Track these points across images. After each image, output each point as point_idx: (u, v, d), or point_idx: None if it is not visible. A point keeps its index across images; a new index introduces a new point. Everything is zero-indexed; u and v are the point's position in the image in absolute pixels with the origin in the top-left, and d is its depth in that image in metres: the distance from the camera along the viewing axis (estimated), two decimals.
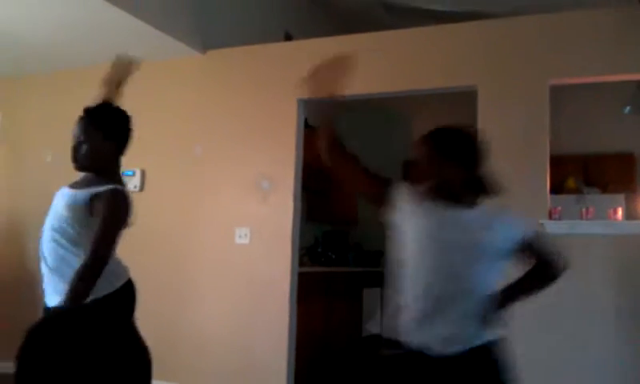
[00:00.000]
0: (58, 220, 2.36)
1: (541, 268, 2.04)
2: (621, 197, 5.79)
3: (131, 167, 4.94)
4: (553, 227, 3.84)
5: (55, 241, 2.35)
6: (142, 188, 4.95)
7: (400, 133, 7.43)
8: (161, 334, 4.68)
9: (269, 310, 4.45)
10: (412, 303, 1.97)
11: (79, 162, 2.45)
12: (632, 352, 3.64)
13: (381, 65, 4.40)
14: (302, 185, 4.64)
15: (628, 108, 5.27)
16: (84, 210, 2.34)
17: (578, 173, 6.36)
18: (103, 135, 2.44)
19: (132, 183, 4.94)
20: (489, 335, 1.96)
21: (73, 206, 2.34)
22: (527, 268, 2.03)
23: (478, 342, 1.93)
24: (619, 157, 6.34)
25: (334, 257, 6.40)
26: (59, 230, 2.35)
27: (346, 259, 6.64)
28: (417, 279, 1.97)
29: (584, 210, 4.45)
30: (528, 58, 4.04)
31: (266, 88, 4.69)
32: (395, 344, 2.01)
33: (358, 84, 4.48)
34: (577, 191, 6.14)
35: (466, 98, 4.21)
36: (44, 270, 2.38)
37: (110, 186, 2.38)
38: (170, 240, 4.81)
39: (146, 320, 4.89)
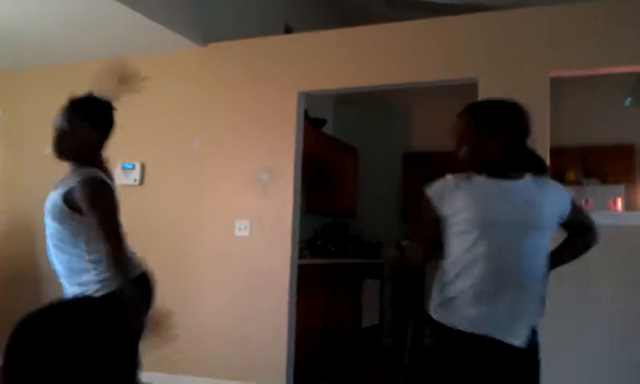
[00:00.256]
0: (48, 227, 2.39)
1: (585, 234, 2.10)
2: (620, 188, 5.80)
3: (131, 160, 4.95)
4: None
5: (55, 246, 2.39)
6: (141, 181, 4.95)
7: (400, 125, 7.43)
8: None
9: (269, 302, 4.46)
10: (474, 288, 1.90)
11: (64, 153, 2.42)
12: (630, 340, 3.65)
13: (382, 57, 4.40)
14: (301, 177, 4.64)
15: (628, 99, 5.27)
16: (63, 210, 2.32)
17: (578, 164, 6.36)
18: (91, 126, 2.41)
19: (132, 177, 4.95)
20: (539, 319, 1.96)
21: (52, 210, 2.35)
22: (568, 235, 2.08)
23: (535, 324, 1.93)
24: (619, 148, 6.35)
25: (333, 249, 6.41)
26: (55, 236, 2.38)
27: (346, 251, 6.65)
28: (478, 262, 1.89)
29: (584, 201, 4.46)
30: (528, 50, 4.04)
31: (266, 81, 4.69)
32: (448, 331, 1.95)
33: (359, 76, 4.50)
34: (577, 183, 6.15)
35: (467, 91, 4.20)
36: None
37: (79, 178, 2.33)
38: (170, 232, 4.82)
39: None
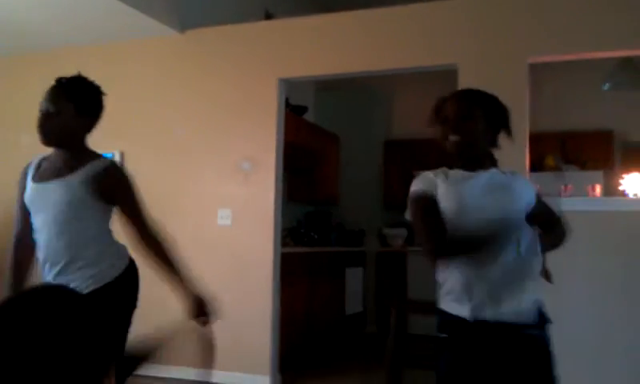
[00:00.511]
0: (62, 213, 2.26)
1: (554, 228, 2.05)
2: (599, 174, 5.85)
3: (110, 149, 4.88)
4: None
5: (64, 233, 2.26)
6: None
7: (382, 112, 7.44)
8: (143, 316, 4.66)
9: (252, 291, 4.45)
10: (479, 277, 1.86)
11: (47, 136, 2.28)
12: (610, 322, 3.71)
13: (362, 44, 4.38)
14: (283, 165, 4.62)
15: (607, 85, 5.30)
16: (85, 194, 2.26)
17: (557, 150, 6.41)
18: (75, 108, 2.27)
19: None
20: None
21: (73, 195, 2.26)
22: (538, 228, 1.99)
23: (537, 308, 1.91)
24: (598, 134, 6.41)
25: (316, 237, 6.41)
26: (66, 223, 2.26)
27: (329, 239, 6.66)
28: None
29: (563, 187, 4.50)
30: (507, 36, 4.05)
31: (246, 67, 4.65)
32: (455, 319, 1.89)
33: (340, 63, 4.48)
34: (556, 169, 6.20)
35: (447, 77, 4.21)
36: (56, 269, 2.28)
37: (106, 161, 2.35)
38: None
39: None
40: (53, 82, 2.31)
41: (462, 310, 1.87)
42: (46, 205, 2.27)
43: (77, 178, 2.26)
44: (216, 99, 4.72)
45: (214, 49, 4.79)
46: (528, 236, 1.92)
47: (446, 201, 1.90)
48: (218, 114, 4.69)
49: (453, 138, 1.94)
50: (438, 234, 1.88)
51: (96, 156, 2.36)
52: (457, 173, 1.96)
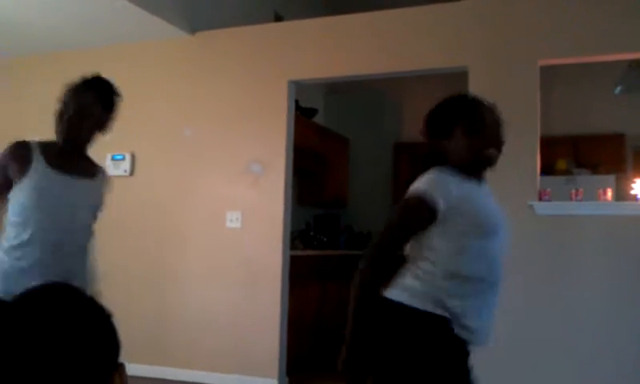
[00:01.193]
0: (93, 211, 2.36)
1: None
2: (611, 178, 5.80)
3: (121, 151, 4.90)
4: (542, 208, 3.85)
5: (90, 233, 2.37)
6: (132, 172, 4.91)
7: (392, 115, 7.42)
8: (153, 318, 4.68)
9: (261, 294, 4.45)
10: (475, 290, 1.78)
11: (80, 137, 2.26)
12: (623, 328, 3.67)
13: (372, 46, 4.37)
14: (292, 168, 4.62)
15: (619, 88, 5.25)
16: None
17: (569, 154, 6.36)
18: (103, 108, 2.27)
19: (122, 167, 4.90)
20: None
21: (99, 201, 2.38)
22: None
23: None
24: (610, 137, 6.35)
25: (325, 240, 6.40)
26: (92, 222, 2.37)
27: (338, 242, 6.64)
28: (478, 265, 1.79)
29: (574, 191, 4.46)
30: (518, 38, 4.03)
31: (255, 70, 4.65)
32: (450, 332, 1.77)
33: (350, 65, 4.47)
34: (567, 172, 6.15)
35: (458, 79, 4.19)
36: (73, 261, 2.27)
37: (103, 170, 2.45)
38: (161, 224, 4.79)
39: (137, 304, 4.88)
40: (91, 82, 2.28)
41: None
42: (79, 199, 2.28)
43: (99, 179, 2.38)
44: (226, 101, 4.73)
45: (224, 51, 4.80)
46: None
47: (461, 215, 1.76)
48: (227, 116, 4.69)
49: (492, 151, 1.81)
50: (389, 253, 1.79)
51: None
52: (470, 183, 1.82)
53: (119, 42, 4.97)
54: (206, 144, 4.75)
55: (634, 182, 4.79)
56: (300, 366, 4.74)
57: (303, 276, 4.98)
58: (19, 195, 2.20)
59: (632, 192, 4.74)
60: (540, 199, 3.93)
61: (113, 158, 4.91)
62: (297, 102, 5.06)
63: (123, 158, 4.91)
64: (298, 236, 5.97)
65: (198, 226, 4.67)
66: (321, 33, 4.57)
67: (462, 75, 4.10)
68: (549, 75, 4.40)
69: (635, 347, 3.64)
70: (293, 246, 4.94)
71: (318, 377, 4.87)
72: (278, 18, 5.54)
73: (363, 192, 7.27)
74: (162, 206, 4.82)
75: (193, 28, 4.80)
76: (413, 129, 7.11)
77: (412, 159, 7.38)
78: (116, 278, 4.83)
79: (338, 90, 7.11)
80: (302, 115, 5.87)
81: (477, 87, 4.06)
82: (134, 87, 5.00)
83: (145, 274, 4.77)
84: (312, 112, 6.34)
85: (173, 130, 4.85)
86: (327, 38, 4.52)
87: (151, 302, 4.70)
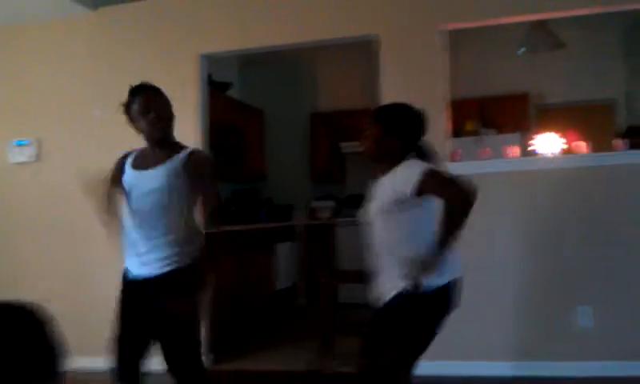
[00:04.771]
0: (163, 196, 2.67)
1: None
2: (516, 136, 6.08)
3: (25, 136, 4.65)
4: (454, 169, 4.00)
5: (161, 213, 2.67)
6: (38, 158, 4.68)
7: (307, 85, 7.43)
8: (63, 310, 4.52)
9: None
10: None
11: (167, 135, 2.80)
12: (528, 279, 3.90)
13: (283, 16, 4.34)
14: (209, 144, 4.55)
15: (522, 49, 5.46)
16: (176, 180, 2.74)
17: (476, 115, 6.63)
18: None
19: (27, 153, 4.66)
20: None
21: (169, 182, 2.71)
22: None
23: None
24: (514, 97, 6.65)
25: (245, 214, 6.38)
26: (162, 209, 2.67)
27: (258, 215, 6.64)
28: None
29: (482, 150, 4.66)
30: (425, 4, 4.12)
31: (164, 44, 4.52)
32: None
33: (261, 37, 4.42)
34: (475, 133, 6.40)
35: (370, 48, 4.25)
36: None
37: (191, 149, 2.86)
38: (74, 209, 4.59)
39: (49, 298, 4.67)
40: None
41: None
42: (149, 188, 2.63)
43: (175, 161, 2.67)
44: (134, 78, 4.52)
45: (130, 26, 4.62)
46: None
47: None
48: None
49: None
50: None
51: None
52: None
53: (20, 23, 4.68)
54: (117, 123, 4.52)
55: (533, 138, 5.03)
56: (222, 341, 4.73)
57: (224, 252, 4.94)
58: None
59: (530, 148, 4.97)
60: (452, 160, 4.09)
61: (15, 144, 4.65)
62: (210, 76, 4.96)
63: (28, 144, 4.66)
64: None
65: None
66: (231, 4, 4.49)
67: (374, 44, 4.15)
68: (456, 39, 4.53)
69: (540, 294, 3.89)
70: None
71: (241, 350, 4.89)
72: None
73: (282, 164, 7.28)
74: (73, 191, 4.61)
75: (95, 3, 4.58)
76: (328, 98, 7.22)
77: (328, 130, 7.50)
78: (26, 276, 4.62)
79: (252, 62, 7.03)
80: (216, 90, 5.78)
81: (387, 55, 4.14)
82: (38, 69, 4.74)
83: (54, 263, 4.59)
84: (225, 86, 6.25)
85: (80, 111, 4.64)
86: (239, 10, 4.44)
87: (61, 296, 4.49)
